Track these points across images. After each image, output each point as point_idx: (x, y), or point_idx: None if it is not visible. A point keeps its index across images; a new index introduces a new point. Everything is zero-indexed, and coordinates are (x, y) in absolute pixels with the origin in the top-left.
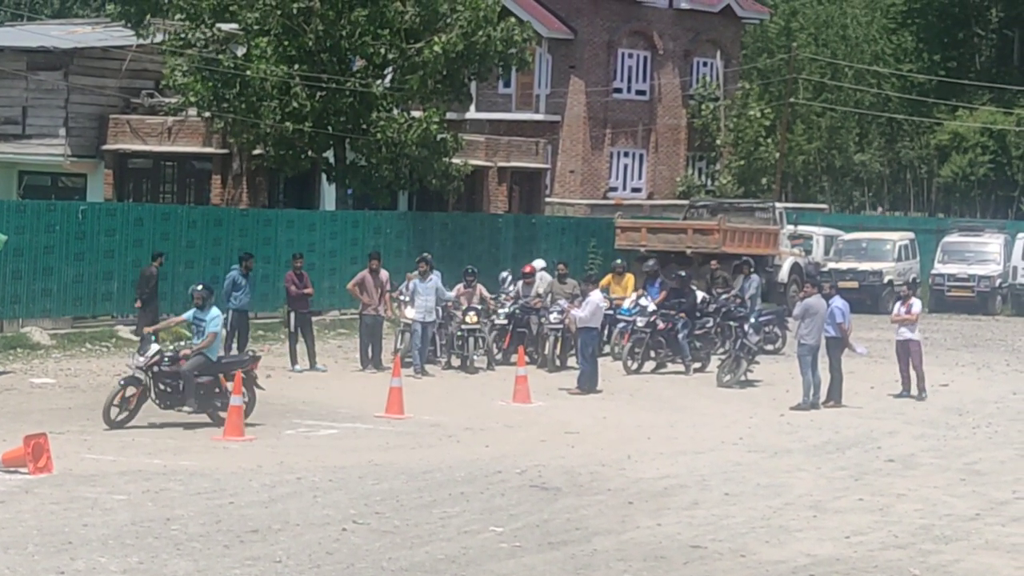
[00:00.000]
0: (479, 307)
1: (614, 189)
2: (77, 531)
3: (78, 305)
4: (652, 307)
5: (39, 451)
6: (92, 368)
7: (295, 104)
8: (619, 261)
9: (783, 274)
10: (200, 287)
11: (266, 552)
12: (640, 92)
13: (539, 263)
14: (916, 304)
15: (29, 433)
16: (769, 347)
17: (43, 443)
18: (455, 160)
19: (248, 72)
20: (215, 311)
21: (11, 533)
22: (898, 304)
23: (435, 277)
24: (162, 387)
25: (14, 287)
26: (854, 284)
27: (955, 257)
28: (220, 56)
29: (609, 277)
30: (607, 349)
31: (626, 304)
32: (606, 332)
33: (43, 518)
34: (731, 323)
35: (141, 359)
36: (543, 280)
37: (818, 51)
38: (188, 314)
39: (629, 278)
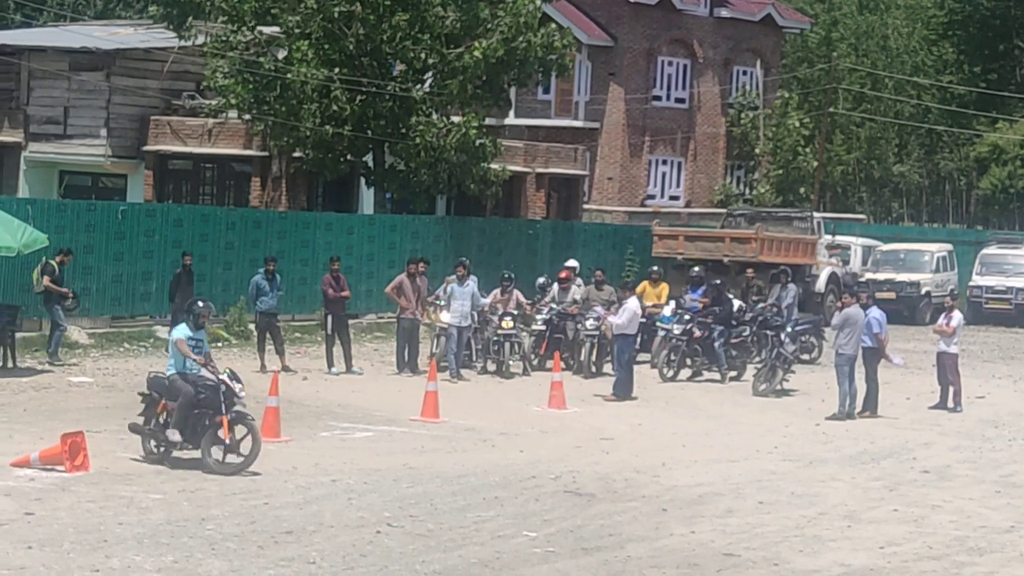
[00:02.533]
0: (515, 312)
1: (652, 196)
2: (112, 529)
3: (117, 305)
4: (697, 305)
5: (76, 449)
6: (130, 368)
7: (335, 107)
8: (655, 268)
9: (820, 284)
10: (202, 304)
11: (300, 553)
12: (679, 100)
13: (572, 263)
14: (955, 317)
15: (66, 431)
16: (805, 357)
17: (80, 441)
18: (493, 165)
19: (289, 75)
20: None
21: (47, 530)
22: (942, 316)
23: (472, 282)
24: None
25: None
26: (891, 295)
27: (993, 269)
28: (261, 59)
29: (645, 284)
30: (644, 357)
31: (666, 311)
32: (638, 339)
33: (79, 516)
34: (767, 332)
35: (242, 390)
36: (578, 285)
37: (858, 61)
38: (183, 333)
39: (664, 286)
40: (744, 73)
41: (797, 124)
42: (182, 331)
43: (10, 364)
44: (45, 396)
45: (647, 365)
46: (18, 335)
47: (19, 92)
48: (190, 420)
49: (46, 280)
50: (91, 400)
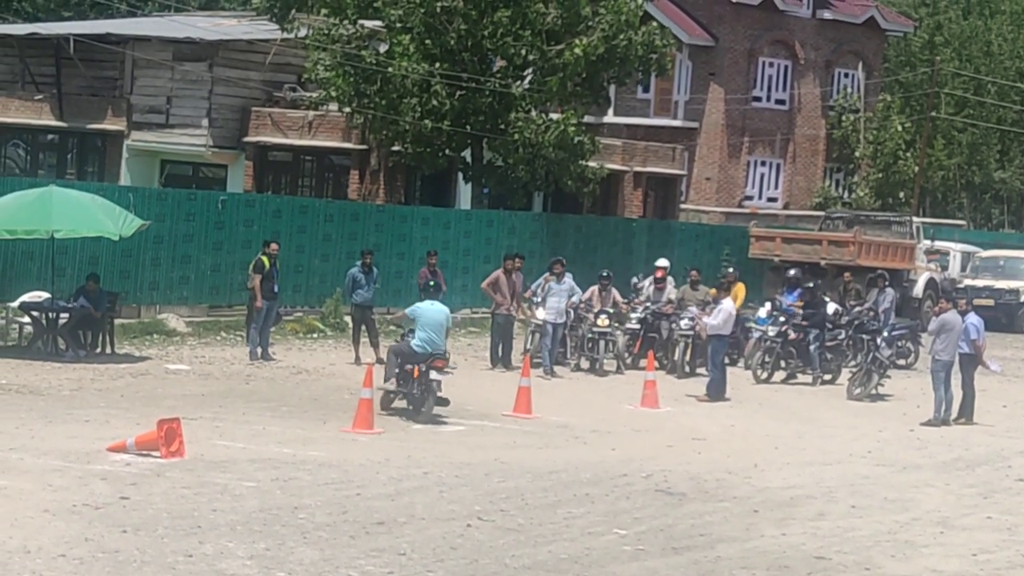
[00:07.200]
0: (611, 310)
1: (750, 198)
2: (206, 516)
3: (215, 294)
4: (792, 306)
5: (172, 435)
6: (226, 356)
7: (435, 102)
8: (732, 270)
9: (918, 289)
10: None
11: (391, 544)
12: (779, 101)
13: (663, 262)
14: None
15: (163, 417)
16: (901, 362)
17: (176, 428)
18: (591, 163)
19: (390, 69)
20: None
21: (142, 515)
22: None
23: (568, 278)
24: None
25: (153, 273)
26: (990, 302)
27: None
28: (363, 52)
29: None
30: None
31: (762, 313)
32: None
33: (173, 502)
34: (863, 336)
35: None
36: (670, 284)
37: (961, 66)
38: None
39: (740, 287)
40: (845, 75)
41: (899, 128)
42: None
43: (108, 350)
44: (142, 382)
45: (739, 367)
46: (116, 321)
47: (123, 81)
48: None
49: (256, 280)
50: (187, 387)
